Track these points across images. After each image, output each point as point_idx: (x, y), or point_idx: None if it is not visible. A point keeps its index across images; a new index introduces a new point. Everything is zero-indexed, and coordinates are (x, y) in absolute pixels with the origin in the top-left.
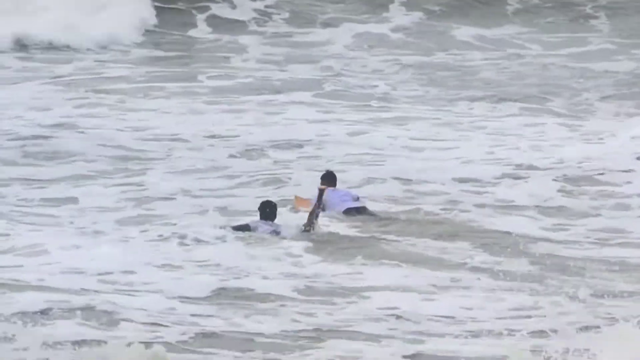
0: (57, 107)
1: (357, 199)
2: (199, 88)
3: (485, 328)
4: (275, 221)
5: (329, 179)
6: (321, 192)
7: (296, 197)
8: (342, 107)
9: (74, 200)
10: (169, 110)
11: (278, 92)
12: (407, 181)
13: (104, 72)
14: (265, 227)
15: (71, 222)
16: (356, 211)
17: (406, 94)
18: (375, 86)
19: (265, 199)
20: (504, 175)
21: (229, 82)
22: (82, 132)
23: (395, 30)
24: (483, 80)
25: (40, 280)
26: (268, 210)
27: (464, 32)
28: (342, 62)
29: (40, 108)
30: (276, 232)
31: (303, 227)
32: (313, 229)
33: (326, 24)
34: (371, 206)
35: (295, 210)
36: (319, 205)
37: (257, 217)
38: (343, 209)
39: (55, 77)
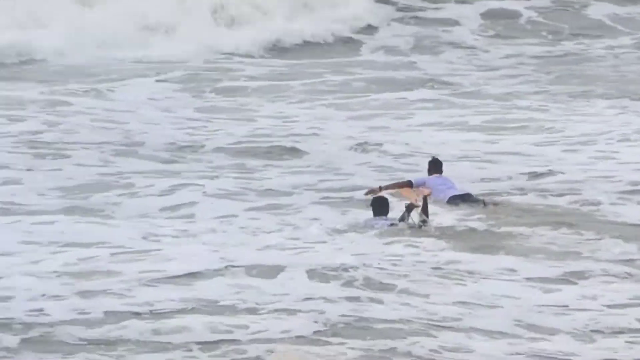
0: (179, 104)
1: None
2: (323, 85)
3: (605, 323)
4: (389, 215)
5: (435, 165)
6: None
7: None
8: (462, 105)
9: (200, 190)
10: (290, 108)
11: (400, 89)
12: (532, 175)
13: (228, 66)
14: (380, 222)
15: (199, 214)
16: (460, 199)
17: (528, 90)
18: (496, 84)
19: (377, 195)
20: (630, 169)
21: (352, 77)
22: (204, 130)
23: (530, 8)
24: (605, 75)
25: (174, 272)
26: (381, 206)
27: (599, 9)
28: (465, 53)
29: (161, 105)
30: (392, 225)
31: (406, 220)
32: (425, 223)
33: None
34: (497, 199)
35: (401, 197)
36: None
37: (371, 215)
38: (447, 197)
39: (178, 72)
